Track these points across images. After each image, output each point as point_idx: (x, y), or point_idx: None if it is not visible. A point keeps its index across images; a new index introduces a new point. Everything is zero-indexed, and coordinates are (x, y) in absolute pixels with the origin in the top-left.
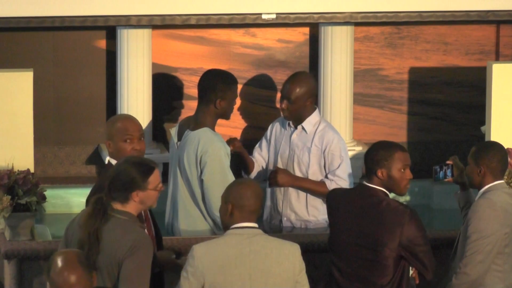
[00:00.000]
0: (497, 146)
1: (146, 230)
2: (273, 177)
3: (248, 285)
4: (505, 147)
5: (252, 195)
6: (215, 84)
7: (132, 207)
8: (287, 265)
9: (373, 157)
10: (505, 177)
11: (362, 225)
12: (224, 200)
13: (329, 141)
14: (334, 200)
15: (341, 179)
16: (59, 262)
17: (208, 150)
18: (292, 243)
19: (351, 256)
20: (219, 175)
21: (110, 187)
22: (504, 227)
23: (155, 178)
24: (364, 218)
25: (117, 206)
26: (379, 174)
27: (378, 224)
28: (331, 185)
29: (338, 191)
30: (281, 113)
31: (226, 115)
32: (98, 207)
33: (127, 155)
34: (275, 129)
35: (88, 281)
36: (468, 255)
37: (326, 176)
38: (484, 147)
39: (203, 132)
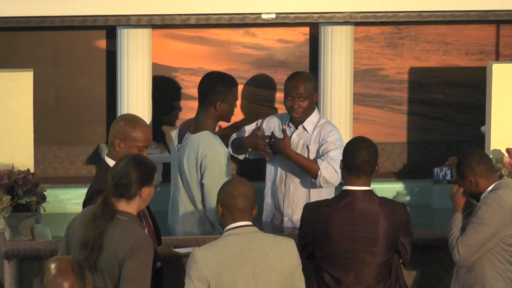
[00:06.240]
0: (470, 152)
1: (145, 227)
2: (274, 144)
3: (252, 283)
4: (505, 147)
5: (240, 195)
6: (215, 86)
7: (135, 205)
8: (287, 261)
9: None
10: (505, 177)
11: (366, 230)
12: (216, 201)
13: (326, 133)
14: (320, 211)
15: (333, 160)
16: (52, 269)
17: (208, 154)
18: (288, 239)
19: (355, 264)
20: (219, 179)
21: (117, 185)
22: (509, 228)
23: (156, 174)
24: (366, 222)
25: (120, 206)
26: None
27: (384, 224)
28: (321, 164)
29: (321, 203)
30: (292, 113)
31: (226, 118)
32: (106, 207)
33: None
34: (272, 126)
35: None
36: (464, 235)
37: None
38: (461, 160)
39: (203, 136)
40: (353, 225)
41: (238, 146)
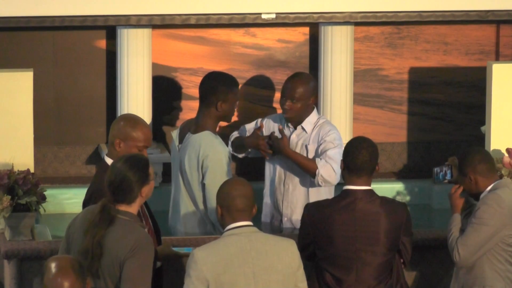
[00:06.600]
0: (473, 150)
1: (146, 227)
2: (273, 144)
3: (252, 283)
4: (505, 147)
5: (238, 195)
6: (216, 86)
7: (136, 205)
8: (287, 261)
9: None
10: (505, 177)
11: (367, 230)
12: (216, 202)
13: (325, 133)
14: (321, 211)
15: (331, 159)
16: (53, 268)
17: (209, 154)
18: (288, 239)
19: (356, 264)
20: (220, 179)
21: (115, 192)
22: (508, 228)
23: (151, 168)
24: (367, 222)
25: (121, 207)
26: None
27: (385, 223)
28: (319, 162)
29: (322, 203)
30: (284, 113)
31: (227, 118)
32: (104, 215)
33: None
34: (271, 126)
35: (81, 287)
36: (464, 235)
37: None
38: (462, 157)
39: (204, 136)
40: (354, 225)
41: (238, 145)
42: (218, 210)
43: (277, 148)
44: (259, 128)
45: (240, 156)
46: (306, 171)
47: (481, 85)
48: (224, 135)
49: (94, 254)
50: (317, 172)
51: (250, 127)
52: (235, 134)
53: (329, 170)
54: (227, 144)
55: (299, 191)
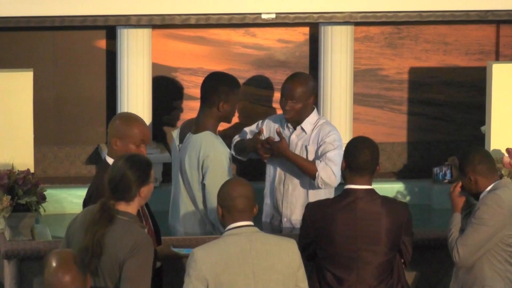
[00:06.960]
0: (473, 149)
1: (145, 227)
2: (271, 148)
3: (252, 283)
4: (505, 147)
5: (238, 195)
6: (219, 86)
7: (135, 205)
8: (288, 260)
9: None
10: (505, 177)
11: (368, 229)
12: (216, 202)
13: (325, 134)
14: (322, 211)
15: (331, 161)
16: (54, 262)
17: (210, 154)
18: (289, 239)
19: (357, 263)
20: (221, 180)
21: (114, 189)
22: (508, 228)
23: (152, 170)
24: (368, 221)
25: (120, 206)
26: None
27: (386, 223)
28: (319, 165)
29: (323, 202)
30: (285, 114)
31: (228, 119)
32: (104, 213)
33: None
34: (272, 127)
35: (82, 281)
36: (463, 235)
37: None
38: (463, 156)
39: (205, 136)
40: (355, 225)
41: (240, 149)
42: (219, 210)
43: (277, 151)
44: (259, 133)
45: (243, 158)
46: (306, 173)
47: (481, 85)
48: (225, 136)
49: (94, 252)
50: (317, 175)
51: (250, 129)
52: (236, 138)
53: (329, 172)
54: (227, 145)
55: (298, 192)
